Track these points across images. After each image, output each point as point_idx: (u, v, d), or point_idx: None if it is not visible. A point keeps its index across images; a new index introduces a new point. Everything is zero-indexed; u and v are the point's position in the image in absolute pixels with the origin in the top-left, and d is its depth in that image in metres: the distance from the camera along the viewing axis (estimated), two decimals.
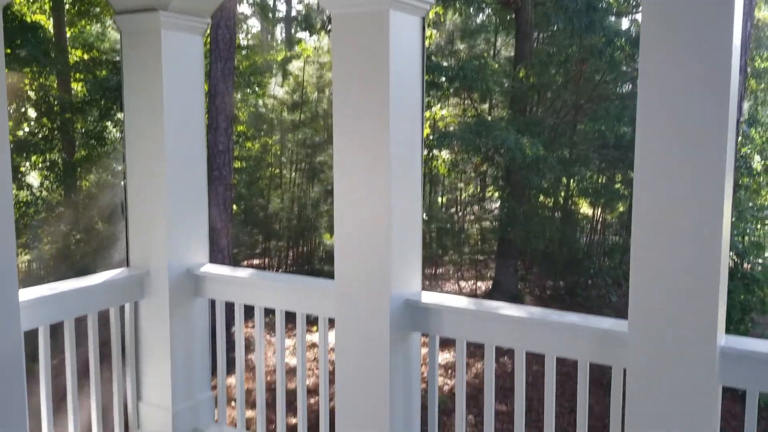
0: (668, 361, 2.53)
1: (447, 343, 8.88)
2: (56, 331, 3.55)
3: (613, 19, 15.47)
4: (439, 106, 15.11)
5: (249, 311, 3.95)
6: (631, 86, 14.32)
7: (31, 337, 3.29)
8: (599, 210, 15.35)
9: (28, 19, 13.61)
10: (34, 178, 13.55)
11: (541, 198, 14.28)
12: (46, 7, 14.50)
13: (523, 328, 3.06)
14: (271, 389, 4.04)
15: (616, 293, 13.18)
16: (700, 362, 2.48)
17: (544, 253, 13.54)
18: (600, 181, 14.21)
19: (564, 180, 14.01)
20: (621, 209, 15.49)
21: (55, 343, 3.54)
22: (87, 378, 3.70)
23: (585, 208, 15.61)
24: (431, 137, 13.10)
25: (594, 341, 2.88)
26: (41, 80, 12.93)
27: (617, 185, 14.04)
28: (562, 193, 14.49)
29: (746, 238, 11.22)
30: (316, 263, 17.55)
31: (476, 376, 10.23)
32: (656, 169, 2.50)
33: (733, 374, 2.55)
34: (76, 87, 14.15)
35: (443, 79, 13.65)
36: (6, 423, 3.04)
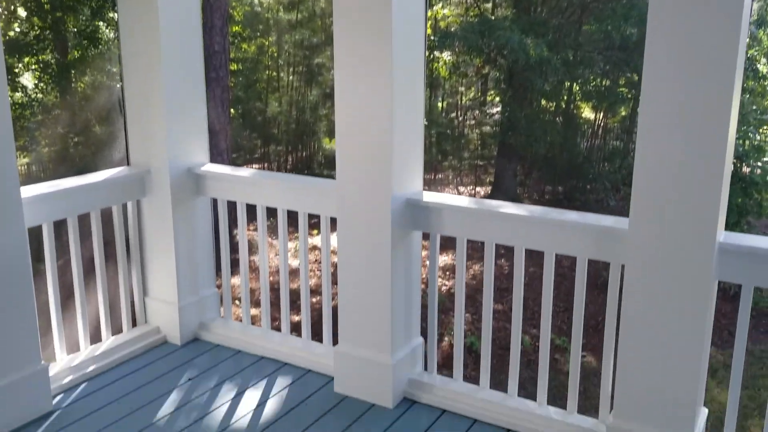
0: (667, 256, 2.56)
1: (445, 247, 8.99)
2: (60, 231, 3.58)
3: None
4: (440, 5, 14.63)
5: (251, 213, 3.97)
6: None
7: (36, 240, 3.32)
8: (601, 114, 15.19)
9: None
10: (27, 80, 13.30)
11: (543, 102, 14.08)
12: None
13: (524, 226, 3.09)
14: (274, 289, 4.12)
15: (614, 197, 13.25)
16: (698, 257, 2.52)
17: (545, 158, 13.51)
18: (604, 84, 13.97)
19: (567, 83, 13.77)
20: (623, 113, 15.33)
21: (59, 245, 3.58)
22: (93, 275, 3.77)
23: (587, 112, 15.43)
24: (432, 38, 12.76)
25: (594, 238, 2.91)
26: None
27: (621, 88, 13.82)
28: (565, 97, 14.28)
29: (747, 141, 11.15)
30: (315, 168, 17.55)
31: (473, 277, 10.44)
32: (664, 69, 2.45)
33: (730, 269, 2.59)
34: None
35: None
36: (16, 318, 3.12)
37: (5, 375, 3.10)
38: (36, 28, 12.98)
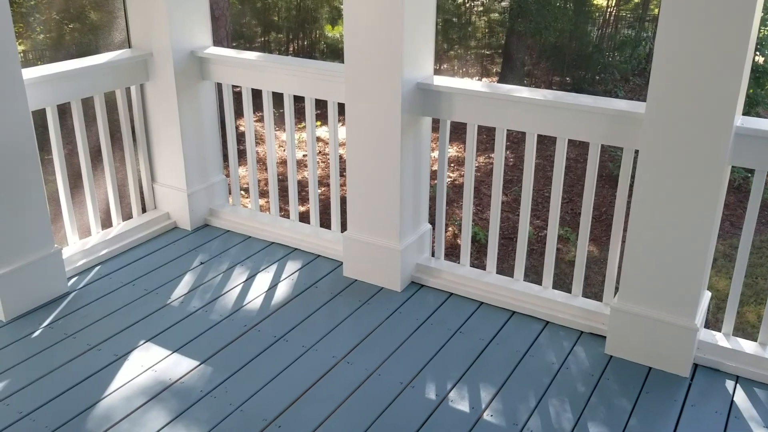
0: (683, 140, 2.53)
1: (451, 139, 8.91)
2: (64, 118, 3.53)
3: None
4: None
5: (257, 103, 3.89)
6: None
7: (41, 128, 3.27)
8: (613, 1, 14.62)
9: None
10: None
11: None
12: None
13: (537, 111, 3.03)
14: (281, 180, 4.12)
15: (623, 89, 13.00)
16: (714, 141, 2.48)
17: (553, 47, 13.13)
18: None
19: None
20: (636, 0, 14.76)
21: (64, 133, 3.54)
22: (100, 162, 3.75)
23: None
24: None
25: (607, 123, 2.87)
26: None
27: None
28: None
29: (764, 29, 10.78)
30: (317, 56, 17.10)
31: (477, 169, 10.43)
32: None
33: (744, 154, 2.56)
34: None
35: None
36: (26, 202, 3.13)
37: (20, 258, 3.16)
38: None
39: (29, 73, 3.22)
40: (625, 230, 2.90)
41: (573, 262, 3.26)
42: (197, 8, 3.75)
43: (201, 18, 3.80)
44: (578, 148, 9.12)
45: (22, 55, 12.49)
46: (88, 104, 3.62)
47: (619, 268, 2.95)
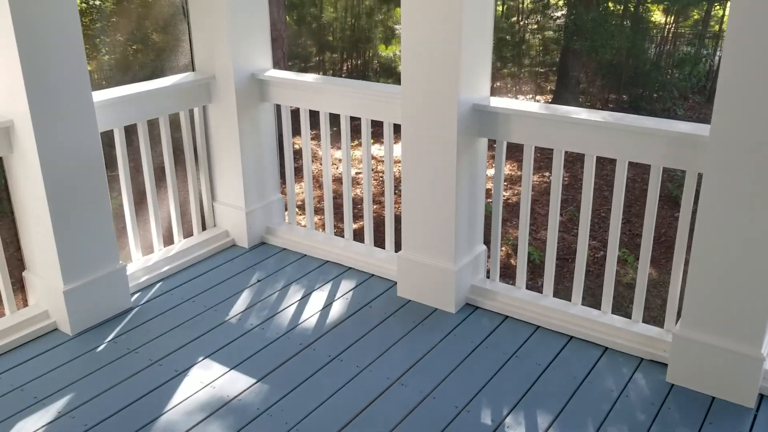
0: (750, 164, 2.46)
1: (506, 156, 8.85)
2: (130, 138, 3.65)
3: None
4: None
5: (313, 120, 3.96)
6: None
7: (107, 147, 3.39)
8: (672, 18, 14.35)
9: None
10: None
11: (611, 5, 13.35)
12: None
13: (596, 133, 2.99)
14: (336, 198, 4.18)
15: (682, 107, 12.71)
16: None
17: (610, 65, 12.94)
18: None
19: None
20: (696, 16, 14.45)
21: (130, 152, 3.67)
22: (163, 180, 3.87)
23: (657, 16, 14.60)
24: None
25: (669, 145, 2.81)
26: None
27: None
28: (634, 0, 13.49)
29: None
30: (370, 75, 17.27)
31: (533, 188, 10.34)
32: None
33: None
34: None
35: None
36: (94, 220, 3.25)
37: (87, 274, 3.27)
38: None
39: (99, 96, 3.35)
40: (687, 254, 2.83)
41: (630, 285, 3.20)
42: (258, 32, 3.85)
43: (261, 42, 3.90)
44: (636, 168, 8.93)
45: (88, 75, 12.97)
46: (152, 124, 3.74)
47: (681, 293, 2.87)
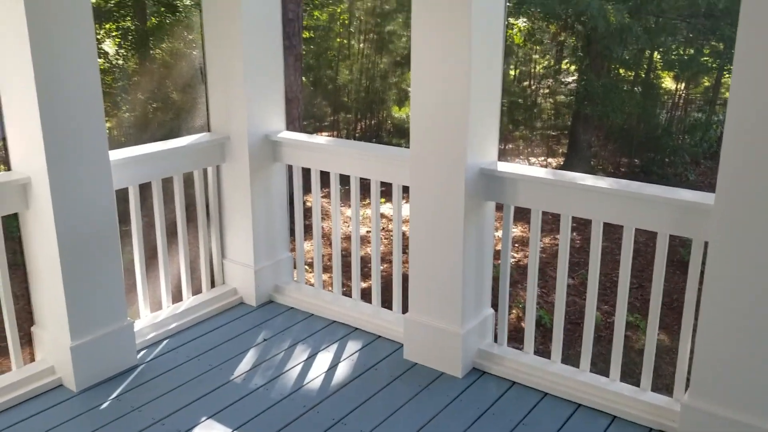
0: (756, 234, 2.46)
1: (515, 218, 8.89)
2: (144, 194, 3.72)
3: None
4: None
5: (324, 179, 4.02)
6: None
7: (121, 202, 3.46)
8: (683, 84, 14.55)
9: None
10: (108, 47, 13.72)
11: (622, 71, 13.58)
12: None
13: (603, 199, 3.02)
14: (344, 255, 4.21)
15: (693, 172, 12.76)
16: None
17: (621, 130, 13.08)
18: (687, 52, 13.34)
19: (648, 51, 13.22)
20: (707, 83, 14.64)
21: (142, 207, 3.73)
22: (175, 237, 3.92)
23: (668, 82, 14.81)
24: (508, 4, 12.45)
25: (676, 213, 2.82)
26: None
27: (705, 58, 13.17)
28: (645, 66, 13.72)
29: None
30: (384, 135, 17.54)
31: (542, 250, 10.31)
32: (761, 35, 2.32)
33: None
34: None
35: None
36: (104, 276, 3.28)
37: (94, 330, 3.28)
38: None
39: (116, 155, 3.43)
40: (697, 321, 2.80)
41: (642, 351, 3.15)
42: (273, 95, 3.96)
43: (276, 104, 4.00)
44: (648, 232, 8.92)
45: (107, 131, 13.27)
46: (166, 180, 3.82)
47: (690, 361, 2.83)
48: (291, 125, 10.81)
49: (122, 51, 13.34)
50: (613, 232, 9.34)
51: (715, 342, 2.65)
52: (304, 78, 15.55)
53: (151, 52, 13.40)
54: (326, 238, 9.05)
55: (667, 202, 2.84)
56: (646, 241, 9.01)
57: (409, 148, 3.34)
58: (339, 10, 18.27)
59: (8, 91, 3.01)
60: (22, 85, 2.89)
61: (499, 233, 3.57)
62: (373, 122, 18.32)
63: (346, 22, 18.45)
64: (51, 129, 2.92)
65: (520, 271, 8.66)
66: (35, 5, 2.79)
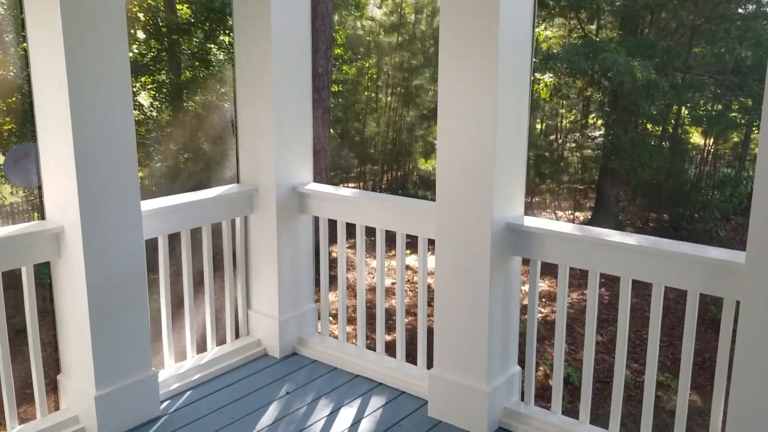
0: None
1: (542, 272, 8.81)
2: (172, 242, 3.77)
3: None
4: (543, 26, 14.46)
5: (350, 230, 4.05)
6: (755, 6, 13.16)
7: (149, 251, 3.51)
8: (711, 140, 14.48)
9: None
10: (143, 99, 14.14)
11: (649, 126, 13.58)
12: None
13: (631, 256, 2.99)
14: (369, 307, 4.21)
15: (724, 228, 12.57)
16: None
17: (649, 184, 13.00)
18: (715, 108, 13.33)
19: (675, 107, 13.23)
20: (735, 139, 14.56)
21: (170, 254, 3.78)
22: (201, 286, 3.95)
23: (696, 138, 14.76)
24: (534, 60, 12.62)
25: (707, 272, 2.78)
26: (149, 2, 13.31)
27: (733, 113, 13.14)
28: (672, 121, 13.72)
29: None
30: (410, 187, 17.65)
31: (570, 305, 10.16)
32: None
33: None
34: (182, 9, 14.46)
35: None
36: (130, 324, 3.30)
37: (120, 380, 3.29)
38: (153, 49, 13.81)
39: (147, 205, 3.49)
40: (729, 382, 2.72)
41: (674, 412, 3.06)
42: (301, 148, 4.03)
43: (304, 156, 4.07)
44: (678, 289, 8.75)
45: (140, 180, 13.55)
46: (195, 230, 3.86)
47: (724, 424, 2.74)
48: (318, 176, 10.94)
49: (156, 103, 13.72)
50: (642, 288, 9.19)
51: (748, 403, 2.57)
52: (332, 130, 15.80)
53: (185, 104, 13.76)
54: (351, 289, 9.03)
55: (697, 260, 2.80)
56: (676, 297, 8.83)
57: (434, 200, 3.35)
58: (367, 65, 18.66)
59: (47, 140, 3.11)
60: (60, 136, 2.99)
61: (526, 287, 3.55)
62: (399, 174, 18.47)
63: (374, 76, 18.82)
64: (86, 180, 3.00)
65: (547, 327, 8.53)
66: (76, 61, 2.90)
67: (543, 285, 10.44)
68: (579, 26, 14.54)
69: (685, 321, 2.95)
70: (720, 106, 13.39)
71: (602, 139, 14.28)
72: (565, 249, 3.16)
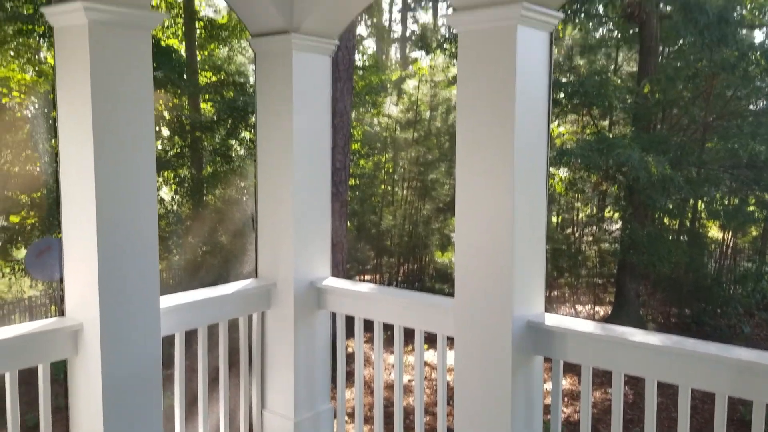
0: None
1: (565, 369, 8.59)
2: (188, 338, 3.75)
3: (745, 32, 14.57)
4: (557, 122, 14.77)
5: (368, 326, 4.00)
6: (766, 102, 13.42)
7: (164, 345, 3.48)
8: (730, 234, 14.41)
9: (163, 44, 14.60)
10: (165, 193, 14.44)
11: (666, 220, 13.59)
12: (179, 32, 15.51)
13: (655, 356, 2.91)
14: (387, 406, 4.10)
15: (748, 324, 12.29)
16: None
17: (669, 278, 12.85)
18: (731, 202, 13.34)
19: (691, 201, 13.27)
20: (754, 233, 14.47)
21: (186, 349, 3.74)
22: (216, 384, 3.88)
23: (714, 232, 14.70)
24: (548, 154, 12.81)
25: (735, 373, 2.69)
26: (175, 101, 13.84)
27: (750, 207, 13.13)
28: (689, 215, 13.72)
29: None
30: (426, 280, 17.57)
31: (594, 404, 9.84)
32: None
33: None
34: (205, 107, 15.00)
35: (562, 95, 13.35)
36: (144, 422, 3.23)
37: None
38: (177, 146, 14.24)
39: (165, 302, 3.49)
40: None
41: None
42: (320, 243, 4.05)
43: (323, 252, 4.09)
44: None
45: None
46: (212, 326, 3.84)
47: None
48: (335, 269, 10.95)
49: (177, 197, 14.00)
50: (668, 386, 8.90)
51: None
52: (348, 222, 15.94)
53: (205, 198, 14.02)
54: (367, 386, 8.83)
55: (725, 362, 2.72)
56: (702, 398, 8.54)
57: (452, 294, 3.32)
58: (384, 159, 19.04)
59: (71, 236, 3.15)
60: (84, 231, 3.03)
61: (548, 385, 3.45)
62: (415, 266, 18.44)
63: (391, 170, 19.15)
64: (107, 276, 3.02)
65: (570, 428, 8.23)
66: (104, 158, 2.99)
67: (565, 382, 10.16)
68: (592, 122, 14.85)
69: (714, 424, 2.83)
70: (737, 200, 13.41)
71: (619, 232, 14.26)
72: (587, 348, 3.09)
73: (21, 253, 12.36)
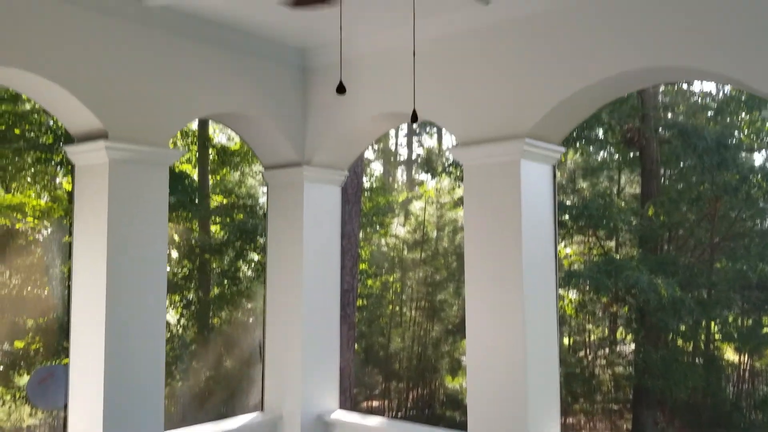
0: None
1: None
2: None
3: (744, 155, 14.92)
4: (563, 244, 14.83)
5: None
6: None
7: None
8: (746, 356, 14.04)
9: (177, 170, 15.03)
10: (171, 316, 14.31)
11: (680, 342, 13.30)
12: (193, 158, 15.99)
13: None
14: None
15: None
16: None
17: (687, 404, 12.40)
18: (745, 324, 13.11)
19: (704, 323, 13.05)
20: None
21: None
22: None
23: (730, 354, 14.34)
24: (558, 275, 12.75)
25: None
26: (186, 225, 14.03)
27: (765, 329, 12.88)
28: (703, 337, 13.44)
29: None
30: (436, 407, 17.00)
31: None
32: None
33: None
34: (215, 229, 15.18)
35: (567, 216, 13.49)
36: None
37: None
38: (185, 268, 14.27)
39: None
40: None
41: None
42: (328, 375, 3.97)
43: (331, 382, 3.99)
44: None
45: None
46: None
47: None
48: (342, 395, 10.60)
49: (183, 320, 13.87)
50: None
51: None
52: (356, 344, 15.67)
53: (210, 321, 13.88)
54: None
55: None
56: None
57: (464, 423, 3.20)
58: (392, 279, 18.99)
59: (78, 365, 3.10)
60: (92, 360, 2.99)
61: None
62: (425, 391, 17.90)
63: (399, 290, 19.05)
64: (112, 409, 2.95)
65: None
66: (116, 287, 3.00)
67: None
68: (598, 244, 14.90)
69: None
70: (750, 322, 13.17)
71: (633, 355, 13.93)
72: None
73: (23, 380, 12.11)
